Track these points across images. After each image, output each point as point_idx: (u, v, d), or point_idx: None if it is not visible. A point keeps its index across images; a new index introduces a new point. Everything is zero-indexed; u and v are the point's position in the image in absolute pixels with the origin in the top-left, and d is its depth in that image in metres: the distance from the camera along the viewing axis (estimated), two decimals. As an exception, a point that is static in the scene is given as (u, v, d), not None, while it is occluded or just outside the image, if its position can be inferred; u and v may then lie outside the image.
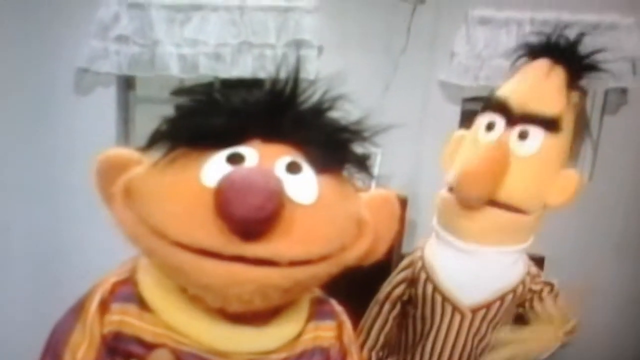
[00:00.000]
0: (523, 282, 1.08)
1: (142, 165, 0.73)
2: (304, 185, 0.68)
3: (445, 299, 1.08)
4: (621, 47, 2.11)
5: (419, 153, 2.18)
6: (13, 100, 2.10)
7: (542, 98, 1.01)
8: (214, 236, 0.62)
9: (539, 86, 1.02)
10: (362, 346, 1.16)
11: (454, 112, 2.24)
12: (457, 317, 1.08)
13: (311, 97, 0.73)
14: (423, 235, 1.21)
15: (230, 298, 0.65)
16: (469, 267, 1.05)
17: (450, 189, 1.06)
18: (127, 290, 0.74)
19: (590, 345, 1.69)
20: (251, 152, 0.69)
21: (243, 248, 0.62)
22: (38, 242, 2.17)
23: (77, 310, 0.77)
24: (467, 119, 2.22)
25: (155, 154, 0.70)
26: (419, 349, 1.14)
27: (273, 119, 0.71)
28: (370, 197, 0.80)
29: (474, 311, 1.07)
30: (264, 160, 0.68)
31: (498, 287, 1.07)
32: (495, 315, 1.08)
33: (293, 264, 0.64)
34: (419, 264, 1.12)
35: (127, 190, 0.71)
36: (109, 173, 0.74)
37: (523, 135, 1.01)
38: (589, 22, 2.07)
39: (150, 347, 0.71)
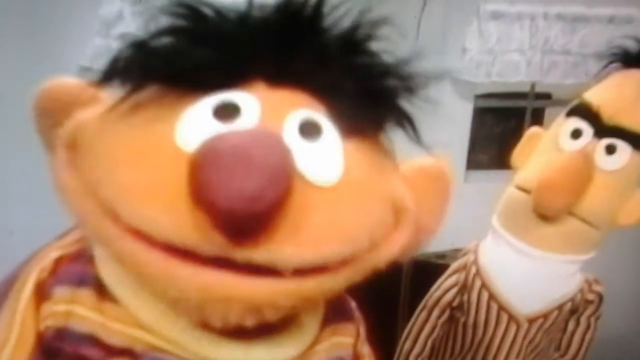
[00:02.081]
0: (581, 290, 1.06)
1: (97, 106, 0.51)
2: (323, 157, 0.46)
3: (501, 307, 1.05)
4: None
5: (430, 151, 2.12)
6: (15, 99, 2.02)
7: (637, 113, 0.96)
8: (189, 228, 0.41)
9: (635, 100, 0.96)
10: (408, 354, 1.12)
11: (466, 109, 2.18)
12: (513, 327, 1.05)
13: (340, 20, 0.50)
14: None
15: (210, 316, 0.46)
16: (531, 275, 1.02)
17: (523, 190, 1.01)
18: (77, 269, 0.52)
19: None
20: (250, 102, 0.46)
21: (230, 249, 0.41)
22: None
23: (3, 292, 0.57)
24: (479, 116, 2.22)
25: (114, 93, 0.49)
26: (469, 358, 1.10)
27: (284, 52, 0.48)
28: (412, 170, 0.56)
29: (531, 321, 1.04)
30: (267, 115, 0.46)
31: (558, 296, 1.04)
32: (552, 324, 1.05)
33: (301, 272, 0.44)
34: (473, 269, 1.08)
35: (73, 143, 0.49)
36: (51, 113, 0.53)
37: (610, 150, 0.96)
38: (604, 15, 2.06)
39: (111, 351, 0.50)
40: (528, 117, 2.20)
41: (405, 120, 0.52)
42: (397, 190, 0.52)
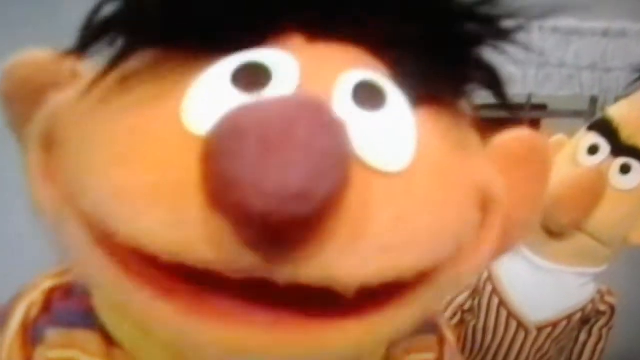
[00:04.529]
0: (592, 301, 1.06)
1: (76, 85, 0.37)
2: (388, 133, 0.32)
3: (510, 313, 1.06)
4: (630, 54, 2.12)
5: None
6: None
7: None
8: (205, 241, 0.28)
9: None
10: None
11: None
12: (522, 334, 1.06)
13: None
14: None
15: None
16: (541, 284, 1.03)
17: None
18: (74, 305, 0.41)
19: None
20: (284, 62, 0.32)
21: (266, 268, 0.28)
22: (50, 251, 2.04)
23: None
24: (478, 127, 2.23)
25: (96, 63, 0.34)
26: (477, 362, 1.11)
27: None
28: (499, 147, 0.42)
29: (540, 329, 1.05)
30: (309, 79, 0.32)
31: (568, 306, 1.05)
32: (561, 334, 1.06)
33: (367, 299, 0.30)
34: (485, 274, 1.08)
35: (48, 140, 0.36)
36: (21, 99, 0.39)
37: (625, 169, 0.96)
38: (599, 28, 2.08)
39: None
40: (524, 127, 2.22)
41: (492, 80, 0.38)
42: (484, 176, 0.38)
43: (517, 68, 2.11)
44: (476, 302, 1.10)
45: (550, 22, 2.10)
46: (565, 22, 2.06)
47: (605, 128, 0.98)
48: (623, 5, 2.13)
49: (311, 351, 0.30)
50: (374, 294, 0.30)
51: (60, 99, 0.37)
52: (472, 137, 0.40)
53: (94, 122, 0.34)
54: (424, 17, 0.35)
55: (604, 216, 0.96)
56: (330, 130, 0.27)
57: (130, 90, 0.34)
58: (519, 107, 2.20)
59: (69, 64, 0.39)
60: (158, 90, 0.33)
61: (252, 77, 0.32)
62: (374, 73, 0.34)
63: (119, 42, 0.34)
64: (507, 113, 0.40)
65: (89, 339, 0.40)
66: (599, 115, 1.02)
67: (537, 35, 2.10)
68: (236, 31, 0.33)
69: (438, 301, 0.39)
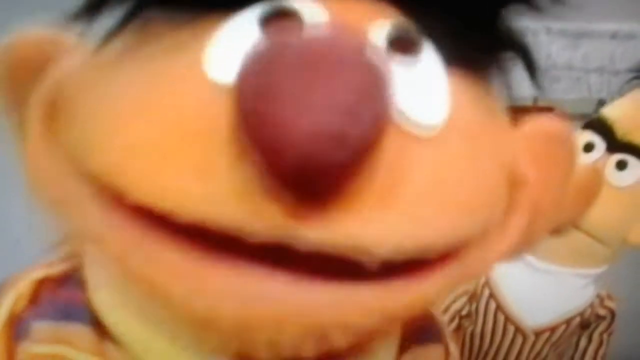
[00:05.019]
0: (592, 305, 1.05)
1: (82, 50, 0.34)
2: (424, 87, 0.30)
3: (508, 318, 1.04)
4: (639, 57, 2.10)
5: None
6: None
7: None
8: (231, 196, 0.25)
9: None
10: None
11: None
12: (519, 339, 1.04)
13: None
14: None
15: (253, 346, 0.30)
16: (539, 287, 1.02)
17: None
18: (64, 297, 0.38)
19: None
20: (314, 10, 0.29)
21: (291, 228, 0.25)
22: (47, 256, 2.06)
23: None
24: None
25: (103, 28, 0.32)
26: (475, 368, 1.10)
27: None
28: (528, 129, 0.40)
29: (538, 334, 1.04)
30: (339, 24, 0.29)
31: (566, 309, 1.03)
32: (560, 338, 1.05)
33: (393, 270, 0.27)
34: (482, 279, 1.07)
35: (51, 109, 0.33)
36: (18, 82, 0.36)
37: (621, 165, 0.95)
38: (607, 30, 2.06)
39: None
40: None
41: (521, 53, 0.36)
42: (513, 155, 0.36)
43: (524, 70, 2.11)
44: (474, 307, 1.09)
45: (558, 25, 2.08)
46: (573, 24, 2.05)
47: (600, 126, 0.97)
48: (631, 8, 2.11)
49: (329, 317, 0.28)
50: (399, 266, 0.28)
51: (64, 66, 0.34)
52: (502, 111, 0.37)
53: (105, 79, 0.31)
54: None
55: (601, 213, 0.94)
56: (374, 69, 0.25)
57: (145, 44, 0.31)
58: (525, 109, 2.19)
59: (71, 35, 0.36)
60: (177, 41, 0.30)
61: (282, 23, 0.29)
62: (407, 25, 0.31)
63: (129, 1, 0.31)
64: (514, 115, 0.38)
65: (80, 333, 0.36)
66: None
67: (545, 37, 2.09)
68: None
69: (462, 281, 0.34)
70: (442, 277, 0.30)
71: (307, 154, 0.22)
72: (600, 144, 0.97)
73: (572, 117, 1.02)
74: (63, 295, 0.38)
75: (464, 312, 1.10)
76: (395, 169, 0.27)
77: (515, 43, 0.36)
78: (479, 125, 0.33)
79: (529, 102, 2.17)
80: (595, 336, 1.08)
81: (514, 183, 0.36)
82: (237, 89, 0.24)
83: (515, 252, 0.38)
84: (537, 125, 0.41)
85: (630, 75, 1.00)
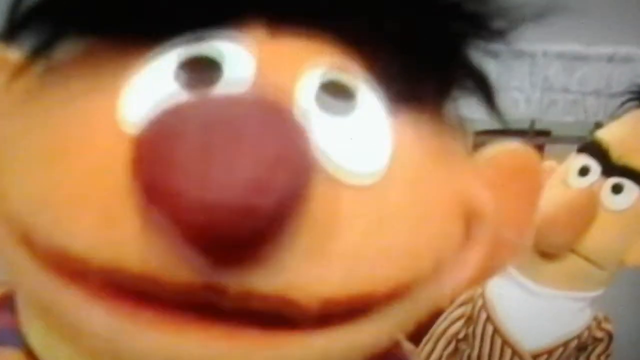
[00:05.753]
0: (589, 328, 1.04)
1: (2, 74, 0.32)
2: (358, 140, 0.28)
3: (505, 342, 1.04)
4: (636, 80, 2.10)
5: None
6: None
7: None
8: (138, 243, 0.24)
9: None
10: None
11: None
12: None
13: None
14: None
15: None
16: (536, 311, 1.02)
17: None
18: (3, 322, 0.36)
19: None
20: (238, 56, 0.28)
21: (213, 274, 0.24)
22: None
23: None
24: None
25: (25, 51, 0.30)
26: (472, 392, 1.09)
27: None
28: (487, 159, 0.38)
29: (535, 357, 1.03)
30: (267, 75, 0.28)
31: (563, 332, 1.03)
32: None
33: (332, 316, 0.26)
34: (479, 302, 1.07)
35: None
36: None
37: (617, 189, 0.95)
38: (604, 54, 2.08)
39: None
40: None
41: (479, 83, 0.34)
42: (468, 189, 0.35)
43: (521, 93, 2.12)
44: (470, 330, 1.08)
45: (555, 48, 2.09)
46: (571, 47, 2.06)
47: (596, 149, 0.97)
48: (628, 31, 2.12)
49: None
50: (337, 312, 0.27)
51: None
52: (457, 146, 0.36)
53: (19, 117, 0.30)
54: (406, 11, 0.31)
55: (597, 237, 0.94)
56: (287, 134, 0.24)
57: (60, 82, 0.30)
58: (522, 132, 2.20)
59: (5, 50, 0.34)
60: (92, 83, 0.29)
61: (199, 73, 0.28)
62: (345, 72, 0.30)
63: (48, 28, 0.29)
64: (511, 139, 0.37)
65: (10, 357, 0.35)
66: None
67: (542, 60, 2.10)
68: (185, 15, 0.28)
69: (415, 317, 0.33)
70: (387, 317, 0.29)
71: (207, 226, 0.22)
72: (595, 167, 0.96)
73: (568, 139, 1.03)
74: (2, 319, 0.36)
75: (460, 336, 1.09)
76: (330, 219, 0.26)
77: (473, 73, 0.34)
78: (426, 167, 0.32)
79: (525, 125, 2.19)
80: (593, 359, 1.07)
81: (471, 217, 0.34)
82: (134, 155, 0.23)
83: (476, 281, 0.36)
84: (501, 153, 0.38)
85: (625, 97, 1.00)
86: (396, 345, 0.42)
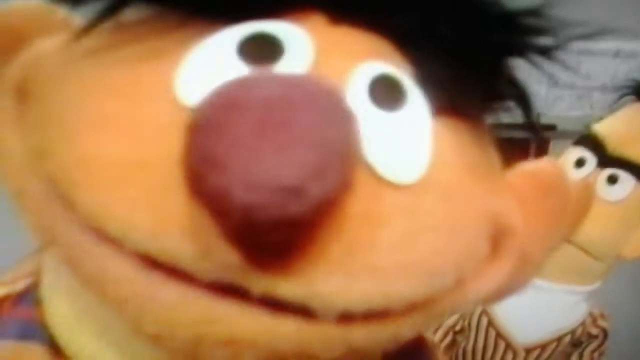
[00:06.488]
0: (583, 324, 1.05)
1: (65, 33, 0.31)
2: (404, 139, 0.28)
3: (499, 334, 1.05)
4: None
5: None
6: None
7: None
8: (177, 234, 0.24)
9: None
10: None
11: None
12: (510, 355, 1.05)
13: None
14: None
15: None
16: (530, 304, 1.01)
17: None
18: (21, 315, 0.36)
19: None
20: (300, 38, 0.28)
21: (241, 274, 0.25)
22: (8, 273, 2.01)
23: None
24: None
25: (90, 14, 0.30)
26: (468, 383, 1.10)
27: None
28: (520, 175, 0.38)
29: (528, 351, 1.04)
30: (325, 62, 0.28)
31: (557, 327, 1.04)
32: (550, 356, 1.05)
33: (349, 318, 0.26)
34: None
35: (24, 88, 0.32)
36: (1, 42, 0.33)
37: (612, 180, 0.95)
38: (610, 49, 2.07)
39: None
40: (533, 148, 2.22)
41: (519, 96, 0.35)
42: (501, 205, 0.34)
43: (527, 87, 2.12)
44: (466, 322, 1.09)
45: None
46: (576, 43, 2.05)
47: (591, 142, 0.98)
48: (634, 27, 2.12)
49: (287, 345, 0.27)
50: (357, 317, 0.27)
51: (44, 46, 0.32)
52: (493, 159, 0.36)
53: (77, 75, 0.29)
54: (460, 17, 0.31)
55: (593, 228, 0.94)
56: (340, 122, 0.24)
57: (122, 44, 0.29)
58: (531, 127, 2.20)
59: (61, 14, 0.34)
60: (153, 49, 0.28)
61: (261, 50, 0.28)
62: (397, 68, 0.30)
63: None
64: (517, 133, 0.37)
65: (35, 353, 0.34)
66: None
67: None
68: (251, 3, 0.29)
69: (434, 322, 0.34)
70: (404, 324, 0.29)
71: (255, 206, 0.21)
72: (591, 159, 0.97)
73: (574, 134, 1.03)
74: (20, 314, 0.36)
75: (457, 328, 1.10)
76: (365, 218, 0.26)
77: (515, 90, 0.34)
78: (462, 178, 0.31)
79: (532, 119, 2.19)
80: (586, 354, 1.08)
81: (500, 232, 0.34)
82: (192, 123, 0.23)
83: (499, 296, 0.37)
84: (534, 170, 0.39)
85: (622, 91, 1.01)
86: (419, 338, 0.43)
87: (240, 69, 0.27)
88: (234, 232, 0.23)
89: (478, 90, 0.33)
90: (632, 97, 1.00)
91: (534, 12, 0.32)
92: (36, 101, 0.30)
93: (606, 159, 0.96)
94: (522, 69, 0.35)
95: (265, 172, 0.21)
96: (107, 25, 0.30)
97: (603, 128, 1.00)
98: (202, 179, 0.22)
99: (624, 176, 0.95)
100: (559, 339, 1.04)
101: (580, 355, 1.08)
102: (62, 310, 0.35)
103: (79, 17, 0.33)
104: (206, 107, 0.23)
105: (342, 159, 0.23)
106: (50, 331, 0.34)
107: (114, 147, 0.26)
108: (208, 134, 0.22)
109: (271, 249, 0.24)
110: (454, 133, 0.32)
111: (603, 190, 0.95)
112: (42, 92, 0.30)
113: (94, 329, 0.33)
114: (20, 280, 0.38)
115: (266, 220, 0.22)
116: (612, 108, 1.03)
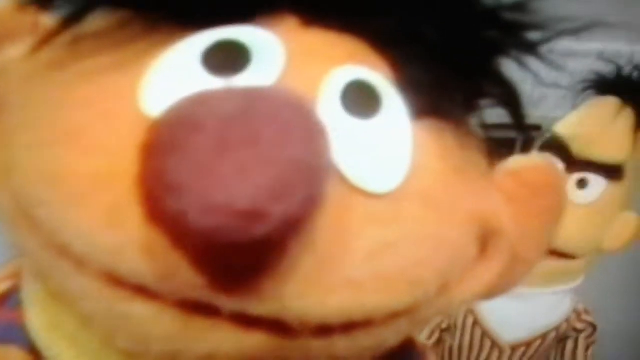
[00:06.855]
0: (568, 320, 1.06)
1: (32, 39, 0.29)
2: (379, 147, 0.27)
3: (484, 333, 1.06)
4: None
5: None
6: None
7: (607, 143, 0.94)
8: (138, 251, 0.23)
9: (605, 129, 0.94)
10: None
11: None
12: (495, 353, 1.06)
13: None
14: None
15: None
16: (514, 305, 1.03)
17: None
18: (4, 319, 0.35)
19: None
20: (269, 44, 0.27)
21: (210, 294, 0.24)
22: None
23: None
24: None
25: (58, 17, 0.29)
26: (455, 382, 1.11)
27: None
28: (509, 174, 0.36)
29: (514, 348, 1.05)
30: (295, 69, 0.27)
31: (542, 325, 1.05)
32: (535, 353, 1.06)
33: (328, 330, 0.26)
34: None
35: None
36: None
37: (582, 184, 0.95)
38: (593, 50, 2.09)
39: None
40: (518, 147, 2.23)
41: (509, 98, 0.34)
42: (488, 205, 0.33)
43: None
44: (453, 321, 1.10)
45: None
46: (561, 43, 2.07)
47: (556, 146, 0.96)
48: (617, 28, 2.12)
49: (267, 355, 0.26)
50: (336, 328, 0.26)
51: (10, 55, 0.31)
52: (478, 160, 0.34)
53: (42, 89, 0.28)
54: (441, 16, 0.30)
55: (569, 231, 0.93)
56: (307, 136, 0.22)
57: (85, 54, 0.28)
58: (512, 127, 2.20)
59: (31, 15, 0.32)
60: (118, 60, 0.27)
61: (227, 58, 0.27)
62: (373, 72, 0.29)
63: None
64: (502, 132, 0.36)
65: (13, 356, 0.34)
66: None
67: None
68: (220, 7, 0.28)
69: (419, 326, 0.34)
70: (387, 330, 0.29)
71: (210, 230, 0.20)
72: (558, 164, 0.94)
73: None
74: (3, 315, 0.35)
75: (444, 326, 1.11)
76: (339, 230, 0.25)
77: (502, 83, 0.33)
78: (445, 182, 0.30)
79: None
80: (581, 340, 1.07)
81: (489, 234, 0.33)
82: (146, 141, 0.22)
83: (489, 295, 0.36)
84: (524, 167, 0.37)
85: (582, 86, 1.00)
86: (408, 340, 0.41)
87: (204, 80, 0.26)
88: (196, 256, 0.22)
89: (462, 90, 0.32)
90: (592, 92, 1.00)
91: (518, 8, 0.31)
92: (2, 115, 0.29)
93: (573, 163, 0.94)
94: (506, 68, 0.35)
95: (223, 194, 0.20)
96: (72, 34, 0.28)
97: (565, 128, 0.98)
98: (158, 202, 0.21)
99: (593, 178, 0.94)
100: (544, 336, 1.05)
101: (576, 342, 1.07)
102: (38, 317, 0.34)
103: (48, 19, 0.31)
104: (162, 126, 0.22)
105: (309, 175, 0.22)
106: (31, 335, 0.34)
107: (77, 163, 0.25)
108: (163, 155, 0.21)
109: (238, 270, 0.23)
110: (437, 135, 0.31)
111: (574, 194, 0.94)
112: (8, 105, 0.29)
113: (67, 340, 0.32)
114: (4, 282, 0.37)
115: (227, 243, 0.21)
116: (574, 105, 1.02)
